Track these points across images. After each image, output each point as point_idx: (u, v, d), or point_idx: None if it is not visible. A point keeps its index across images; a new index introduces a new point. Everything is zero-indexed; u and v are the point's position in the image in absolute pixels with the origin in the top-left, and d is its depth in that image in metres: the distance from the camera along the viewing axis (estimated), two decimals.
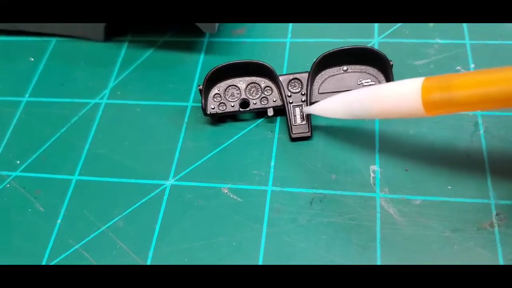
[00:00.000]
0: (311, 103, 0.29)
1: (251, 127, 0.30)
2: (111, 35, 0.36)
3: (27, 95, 0.34)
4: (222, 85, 0.30)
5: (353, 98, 0.26)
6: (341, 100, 0.26)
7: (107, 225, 0.27)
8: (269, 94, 0.30)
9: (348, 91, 0.26)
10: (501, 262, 0.24)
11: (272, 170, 0.28)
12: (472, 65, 0.31)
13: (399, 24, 0.33)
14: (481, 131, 0.28)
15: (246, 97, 0.30)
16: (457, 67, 0.31)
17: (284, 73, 0.31)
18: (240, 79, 0.30)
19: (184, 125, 0.31)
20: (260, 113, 0.30)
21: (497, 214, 0.25)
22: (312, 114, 0.29)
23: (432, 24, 0.33)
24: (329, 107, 0.27)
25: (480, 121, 0.28)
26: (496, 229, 0.24)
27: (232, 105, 0.30)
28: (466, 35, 0.32)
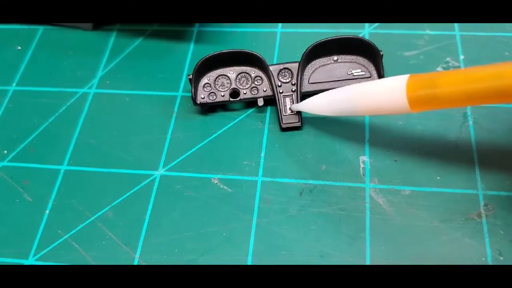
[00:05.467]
0: (301, 93, 0.29)
1: (241, 117, 0.30)
2: (99, 24, 0.36)
3: (14, 84, 0.33)
4: (212, 74, 0.30)
5: (340, 96, 0.26)
6: (328, 98, 0.26)
7: (96, 215, 0.27)
8: (259, 84, 0.30)
9: (334, 89, 0.27)
10: (488, 252, 0.24)
11: (262, 160, 0.28)
12: (461, 57, 0.31)
13: None
14: (470, 122, 0.28)
15: (236, 87, 0.30)
16: (447, 58, 0.31)
17: (274, 63, 0.31)
18: (230, 68, 0.30)
19: (174, 115, 0.30)
20: (250, 103, 0.30)
21: (485, 205, 0.25)
22: None
23: None
24: (316, 105, 0.27)
25: (469, 112, 0.28)
26: (484, 219, 0.25)
27: (222, 94, 0.30)
28: (456, 26, 0.32)
